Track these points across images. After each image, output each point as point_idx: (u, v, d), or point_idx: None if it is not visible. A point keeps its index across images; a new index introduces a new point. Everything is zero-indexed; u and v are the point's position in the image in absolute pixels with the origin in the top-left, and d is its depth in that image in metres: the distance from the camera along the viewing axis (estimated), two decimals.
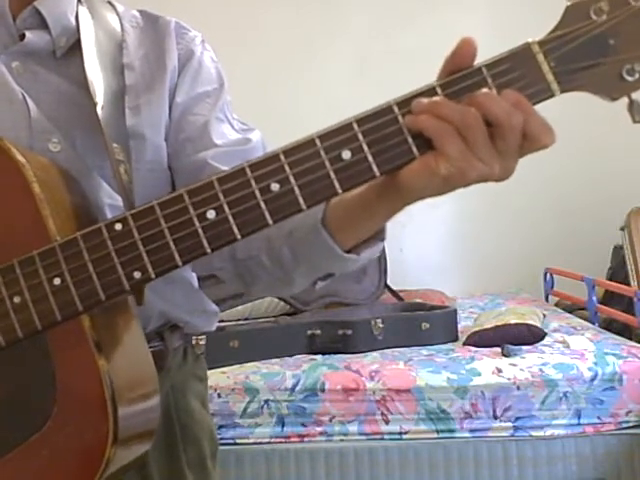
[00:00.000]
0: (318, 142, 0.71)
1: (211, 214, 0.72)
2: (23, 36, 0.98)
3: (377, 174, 0.71)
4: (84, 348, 0.75)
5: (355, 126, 0.71)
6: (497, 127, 0.69)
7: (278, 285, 0.99)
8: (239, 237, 0.72)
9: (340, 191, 0.71)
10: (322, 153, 0.71)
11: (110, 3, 1.10)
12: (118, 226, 0.74)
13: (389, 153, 0.71)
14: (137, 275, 0.74)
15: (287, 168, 0.71)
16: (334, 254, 0.86)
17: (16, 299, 0.76)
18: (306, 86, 4.25)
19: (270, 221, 0.72)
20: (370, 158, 0.71)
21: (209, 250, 0.73)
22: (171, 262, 0.73)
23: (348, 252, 0.86)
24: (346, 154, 0.71)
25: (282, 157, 0.71)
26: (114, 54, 1.02)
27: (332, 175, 0.71)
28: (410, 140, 0.70)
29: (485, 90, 0.69)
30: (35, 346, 0.76)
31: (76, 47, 1.00)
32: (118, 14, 1.08)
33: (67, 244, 0.75)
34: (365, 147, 0.70)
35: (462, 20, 4.32)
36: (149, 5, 1.13)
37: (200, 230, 0.72)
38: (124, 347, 0.82)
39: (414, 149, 0.70)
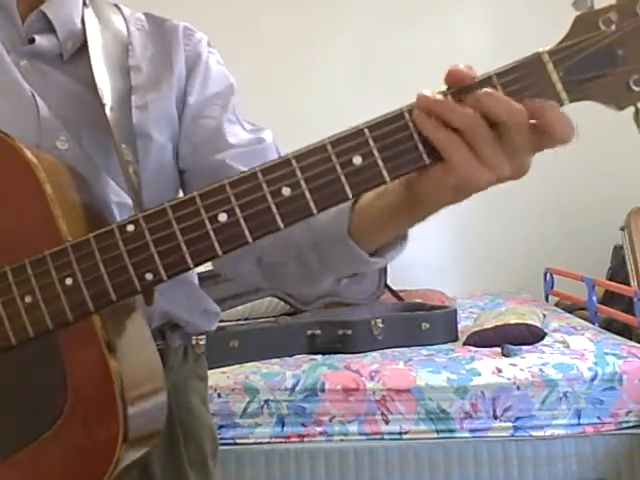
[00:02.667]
0: (329, 147, 0.71)
1: (222, 217, 0.72)
2: (32, 40, 0.99)
3: (387, 179, 0.72)
4: (95, 348, 0.75)
5: (367, 132, 0.71)
6: (501, 127, 0.70)
7: (305, 283, 1.02)
8: (250, 240, 0.73)
9: (350, 196, 0.72)
10: (333, 158, 0.71)
11: (116, 6, 1.11)
12: (130, 227, 0.74)
13: (399, 159, 0.71)
14: (149, 277, 0.74)
15: (298, 172, 0.72)
16: (361, 259, 0.88)
17: (27, 299, 0.76)
18: (307, 87, 4.26)
19: (281, 225, 0.72)
20: (381, 164, 0.71)
21: (220, 252, 0.73)
22: (183, 264, 0.74)
23: (372, 254, 0.88)
24: (357, 159, 0.71)
25: (294, 162, 0.72)
26: (120, 56, 1.03)
27: (343, 180, 0.71)
28: (421, 147, 0.71)
29: (487, 89, 0.69)
30: (46, 345, 0.77)
31: (83, 50, 1.00)
32: (124, 17, 1.08)
33: (79, 245, 0.75)
34: (376, 153, 0.71)
35: (463, 21, 4.33)
36: (150, 6, 1.13)
37: (212, 232, 0.73)
38: (133, 346, 0.83)
39: (424, 156, 0.71)
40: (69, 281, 0.75)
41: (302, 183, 0.72)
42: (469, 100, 0.70)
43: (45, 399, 0.78)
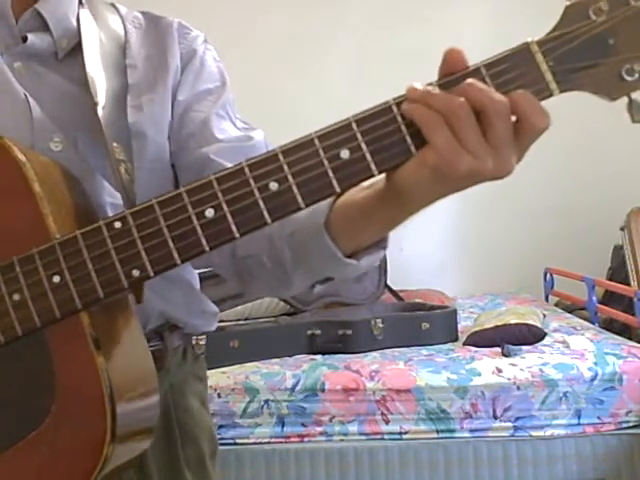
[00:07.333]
0: (317, 142, 0.71)
1: (210, 212, 0.72)
2: (25, 38, 0.99)
3: (375, 173, 0.71)
4: (83, 345, 0.75)
5: (354, 126, 0.71)
6: (483, 114, 0.69)
7: (276, 286, 0.99)
8: (237, 236, 0.73)
9: (338, 190, 0.72)
10: (321, 152, 0.71)
11: (113, 5, 1.11)
12: (117, 224, 0.74)
13: (387, 152, 0.71)
14: (136, 273, 0.74)
15: (286, 167, 0.71)
16: (334, 258, 0.85)
17: (16, 297, 0.76)
18: (305, 87, 4.25)
19: (269, 220, 0.72)
20: (368, 157, 0.71)
21: (207, 248, 0.73)
22: (170, 260, 0.73)
23: (348, 257, 0.85)
24: (345, 153, 0.71)
25: (281, 156, 0.72)
26: (116, 55, 1.03)
27: (330, 174, 0.71)
28: (408, 140, 0.70)
29: (470, 80, 0.69)
30: (34, 343, 0.77)
31: (78, 49, 1.00)
32: (120, 15, 1.08)
33: (66, 242, 0.75)
34: (364, 146, 0.71)
35: (462, 20, 4.32)
36: (148, 6, 1.13)
37: (198, 228, 0.72)
38: (123, 345, 0.82)
39: (412, 148, 0.71)
40: (57, 279, 0.75)
41: (289, 178, 0.71)
42: (455, 91, 0.69)
43: (33, 397, 0.77)
